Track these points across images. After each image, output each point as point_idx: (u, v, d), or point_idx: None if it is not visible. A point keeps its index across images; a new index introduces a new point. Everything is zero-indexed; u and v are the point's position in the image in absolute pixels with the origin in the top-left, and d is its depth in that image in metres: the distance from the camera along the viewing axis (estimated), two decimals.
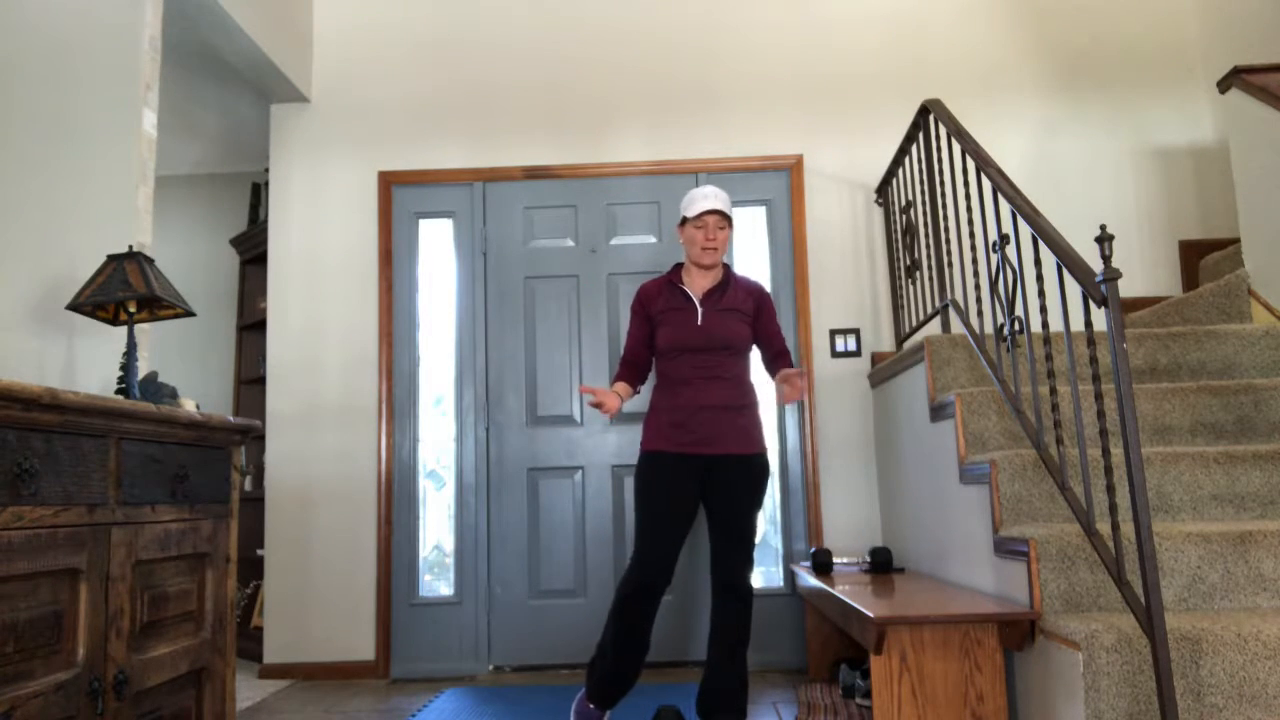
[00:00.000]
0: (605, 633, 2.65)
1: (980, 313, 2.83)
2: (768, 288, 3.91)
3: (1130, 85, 4.02)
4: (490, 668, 3.75)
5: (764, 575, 3.81)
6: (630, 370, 2.83)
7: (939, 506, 2.94)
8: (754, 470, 2.67)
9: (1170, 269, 3.89)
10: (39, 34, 2.31)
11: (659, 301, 2.78)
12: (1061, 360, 2.95)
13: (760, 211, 4.00)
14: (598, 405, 2.63)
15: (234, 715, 2.18)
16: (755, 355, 2.85)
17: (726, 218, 2.73)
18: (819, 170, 3.99)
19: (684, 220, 2.76)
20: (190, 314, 2.33)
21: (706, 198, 2.72)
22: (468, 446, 3.87)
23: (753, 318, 2.78)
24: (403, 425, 3.88)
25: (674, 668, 3.70)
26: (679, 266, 2.84)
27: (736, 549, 2.62)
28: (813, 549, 3.29)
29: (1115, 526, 1.96)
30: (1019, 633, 2.16)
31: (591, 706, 2.71)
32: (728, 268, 2.82)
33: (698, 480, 2.67)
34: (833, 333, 3.86)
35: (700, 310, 2.72)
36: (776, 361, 2.80)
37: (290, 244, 4.00)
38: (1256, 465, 2.41)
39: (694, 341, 2.69)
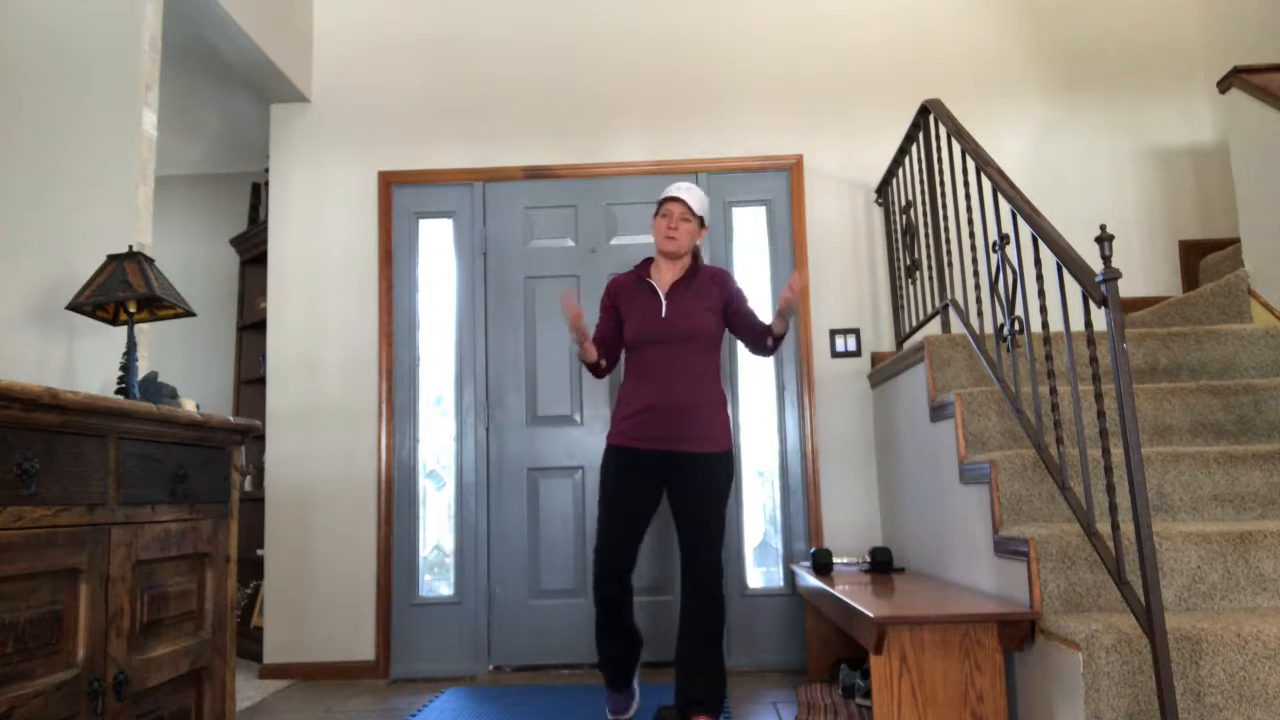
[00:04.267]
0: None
1: (980, 313, 2.83)
2: (768, 288, 3.92)
3: (1130, 85, 4.02)
4: (490, 668, 3.75)
5: (764, 575, 3.81)
6: (601, 349, 2.86)
7: (939, 506, 2.94)
8: (717, 469, 2.70)
9: (1170, 269, 3.89)
10: (39, 34, 2.31)
11: (626, 294, 2.83)
12: (1061, 360, 2.95)
13: (760, 211, 4.00)
14: (576, 319, 2.60)
15: (234, 715, 2.18)
16: (740, 353, 2.80)
17: (691, 211, 2.77)
18: (819, 170, 3.99)
19: (656, 211, 2.83)
20: (190, 314, 2.33)
21: (673, 189, 2.79)
22: (468, 446, 3.86)
23: (722, 306, 2.80)
24: (403, 425, 3.88)
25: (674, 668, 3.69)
26: (649, 261, 2.88)
27: (702, 546, 2.66)
28: (813, 549, 3.29)
29: (1115, 526, 1.96)
30: (1019, 633, 2.16)
31: (608, 692, 2.89)
32: (697, 260, 2.85)
33: (659, 475, 2.72)
34: (833, 333, 3.86)
35: (665, 302, 2.75)
36: (765, 336, 2.78)
37: (290, 244, 4.00)
38: (1256, 465, 2.41)
39: (658, 333, 2.72)
